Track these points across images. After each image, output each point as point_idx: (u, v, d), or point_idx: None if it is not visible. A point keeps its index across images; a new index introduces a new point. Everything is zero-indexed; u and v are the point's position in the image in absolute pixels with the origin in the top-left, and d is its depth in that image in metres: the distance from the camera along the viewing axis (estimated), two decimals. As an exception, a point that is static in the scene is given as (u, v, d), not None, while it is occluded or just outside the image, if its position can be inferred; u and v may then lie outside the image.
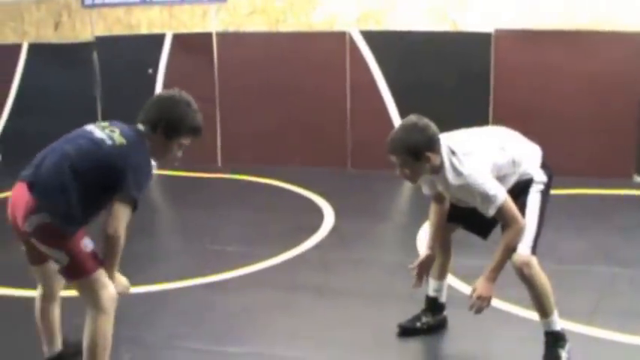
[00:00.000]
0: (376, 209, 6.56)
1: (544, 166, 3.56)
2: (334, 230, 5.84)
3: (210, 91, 8.03)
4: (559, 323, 3.51)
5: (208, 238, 5.73)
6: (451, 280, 4.22)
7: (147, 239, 5.58)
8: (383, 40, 7.59)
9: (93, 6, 8.40)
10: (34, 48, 8.60)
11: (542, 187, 3.51)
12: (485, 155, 3.41)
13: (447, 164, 3.38)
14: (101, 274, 3.11)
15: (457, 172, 3.36)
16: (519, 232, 3.38)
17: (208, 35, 8.08)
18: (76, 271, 3.10)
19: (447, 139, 3.45)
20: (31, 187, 3.05)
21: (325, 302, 4.48)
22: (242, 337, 4.01)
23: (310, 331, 4.05)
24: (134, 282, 3.36)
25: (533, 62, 7.22)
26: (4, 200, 3.28)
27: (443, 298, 3.97)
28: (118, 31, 8.38)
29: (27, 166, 3.15)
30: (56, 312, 3.46)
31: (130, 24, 8.36)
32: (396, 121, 7.35)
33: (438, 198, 3.72)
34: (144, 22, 8.32)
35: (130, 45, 8.28)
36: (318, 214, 6.24)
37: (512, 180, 3.49)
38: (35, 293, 3.46)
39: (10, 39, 8.69)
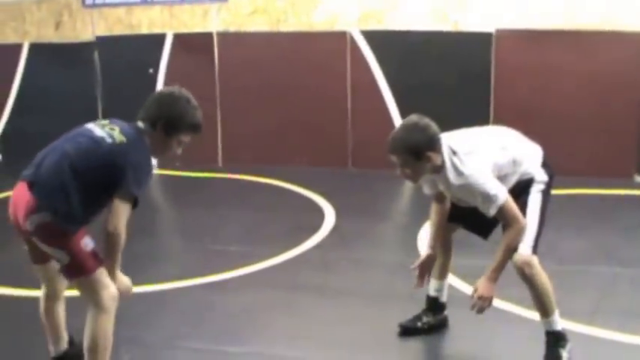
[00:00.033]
0: (377, 209, 6.55)
1: (545, 165, 3.55)
2: (335, 230, 5.84)
3: (210, 91, 8.03)
4: (560, 323, 3.51)
5: (209, 238, 5.73)
6: (452, 279, 4.22)
7: (147, 239, 5.58)
8: (384, 39, 7.59)
9: (94, 6, 8.39)
10: (34, 48, 8.60)
11: (543, 186, 3.50)
12: (486, 155, 3.40)
13: (448, 164, 3.38)
14: (102, 274, 3.11)
15: (458, 172, 3.36)
16: (520, 232, 3.38)
17: (209, 35, 8.08)
18: (77, 270, 3.10)
19: (448, 139, 3.44)
20: (32, 186, 3.05)
21: (326, 302, 4.47)
22: (242, 337, 4.01)
23: (310, 331, 4.05)
24: (134, 282, 3.35)
25: (534, 62, 7.22)
26: (5, 200, 3.28)
27: (444, 298, 3.97)
28: (119, 30, 8.38)
29: (28, 165, 3.15)
30: (61, 311, 3.46)
31: (130, 24, 8.36)
32: (397, 120, 7.35)
33: (439, 198, 3.72)
34: (144, 21, 8.32)
35: (131, 45, 8.28)
36: (319, 214, 6.24)
37: (513, 179, 3.49)
38: (39, 293, 3.46)
39: (10, 39, 8.69)
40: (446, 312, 3.99)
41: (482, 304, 3.43)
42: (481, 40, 7.30)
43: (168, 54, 8.20)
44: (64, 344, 3.50)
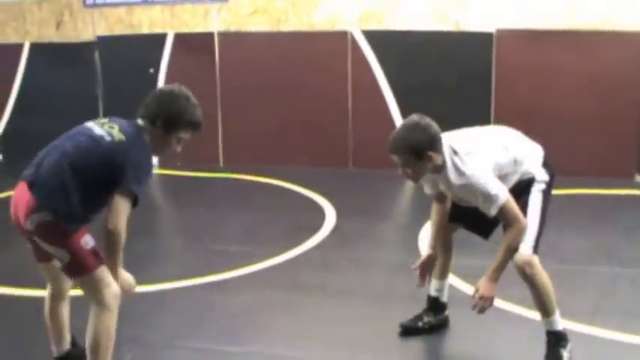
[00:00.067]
0: (378, 209, 6.55)
1: (546, 165, 3.55)
2: (336, 230, 5.84)
3: (211, 91, 8.03)
4: (561, 323, 3.51)
5: (210, 238, 5.73)
6: (452, 279, 4.22)
7: (148, 239, 5.58)
8: (384, 39, 7.59)
9: (94, 5, 8.40)
10: (35, 47, 8.60)
11: (543, 186, 3.50)
12: (487, 154, 3.40)
13: (449, 164, 3.38)
14: (103, 272, 3.11)
15: (459, 172, 3.36)
16: (521, 232, 3.38)
17: (210, 35, 8.08)
18: (78, 269, 3.10)
19: (449, 139, 3.44)
20: (32, 186, 3.06)
21: (326, 302, 4.47)
22: (242, 337, 4.01)
23: (311, 331, 4.05)
24: (135, 281, 3.35)
25: (535, 62, 7.22)
26: (6, 200, 3.28)
27: (444, 298, 3.97)
28: (120, 30, 8.38)
29: (28, 165, 3.16)
30: (65, 312, 3.46)
31: (131, 24, 8.36)
32: (398, 120, 7.35)
33: (440, 197, 3.72)
34: (145, 21, 8.33)
35: (132, 45, 8.29)
36: (320, 214, 6.24)
37: (513, 179, 3.49)
38: (40, 292, 3.45)
39: (11, 38, 8.70)
40: (447, 312, 3.99)
41: (483, 304, 3.43)
42: (482, 40, 7.30)
43: (168, 54, 8.20)
44: (67, 345, 3.50)
